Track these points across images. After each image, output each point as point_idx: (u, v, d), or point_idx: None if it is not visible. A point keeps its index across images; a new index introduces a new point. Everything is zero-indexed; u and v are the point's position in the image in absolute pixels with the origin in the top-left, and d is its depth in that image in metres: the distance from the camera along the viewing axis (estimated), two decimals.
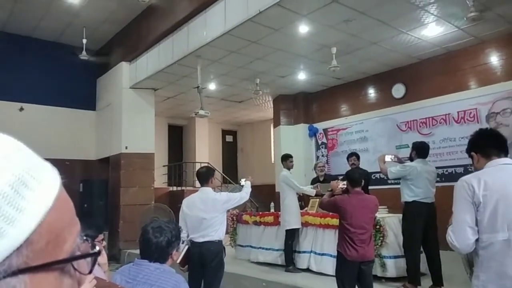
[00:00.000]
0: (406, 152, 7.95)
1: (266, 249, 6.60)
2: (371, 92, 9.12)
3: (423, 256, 4.97)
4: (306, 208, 6.62)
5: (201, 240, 4.00)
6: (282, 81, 9.17)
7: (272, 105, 11.11)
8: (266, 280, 5.62)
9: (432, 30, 6.63)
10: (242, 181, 4.76)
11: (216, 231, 4.03)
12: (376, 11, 5.90)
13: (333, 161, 9.71)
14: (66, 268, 0.44)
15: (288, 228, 5.99)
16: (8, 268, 0.38)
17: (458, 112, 7.42)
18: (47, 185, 0.44)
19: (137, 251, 2.16)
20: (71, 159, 9.90)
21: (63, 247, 0.43)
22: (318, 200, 6.51)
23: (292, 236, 6.02)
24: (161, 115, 12.06)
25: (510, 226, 1.80)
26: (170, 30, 7.72)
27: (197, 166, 11.39)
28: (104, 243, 2.88)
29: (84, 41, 8.98)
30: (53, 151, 9.34)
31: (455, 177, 6.46)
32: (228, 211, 7.81)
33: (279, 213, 6.32)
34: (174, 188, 11.98)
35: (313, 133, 10.25)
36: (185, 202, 4.27)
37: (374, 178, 8.13)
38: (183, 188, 11.52)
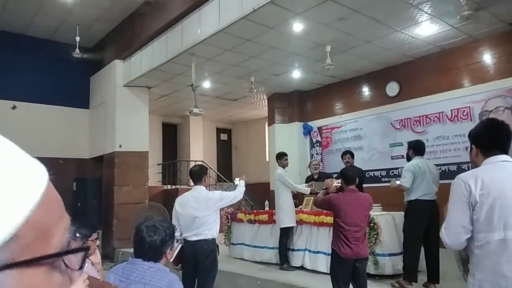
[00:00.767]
0: (400, 151, 8.03)
1: (261, 247, 6.60)
2: (365, 90, 9.14)
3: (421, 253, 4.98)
4: (300, 206, 6.63)
5: (194, 238, 3.98)
6: (276, 79, 9.17)
7: (266, 103, 11.11)
8: (260, 278, 5.63)
9: (426, 29, 6.65)
10: (236, 180, 4.72)
11: (210, 230, 4.01)
12: (371, 10, 5.91)
13: (328, 159, 9.73)
14: (56, 263, 0.44)
15: (283, 226, 5.99)
16: None
17: (451, 110, 7.47)
18: (34, 180, 0.43)
19: (132, 250, 2.15)
20: (65, 158, 9.84)
21: (51, 242, 0.43)
22: (312, 198, 6.53)
23: (286, 234, 6.03)
24: (155, 113, 12.01)
25: (506, 226, 1.79)
26: (164, 28, 7.69)
27: (192, 165, 11.34)
28: (98, 242, 2.87)
29: (78, 38, 8.91)
30: (46, 150, 9.29)
31: (448, 175, 6.50)
32: (222, 209, 7.83)
33: (274, 211, 6.32)
34: (169, 187, 11.96)
35: (307, 131, 10.27)
36: (178, 200, 4.26)
37: (368, 176, 8.17)
38: (178, 186, 11.50)
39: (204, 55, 7.44)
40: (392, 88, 8.48)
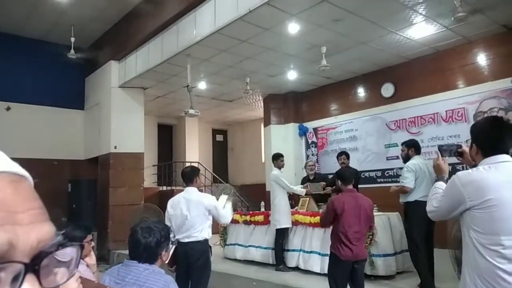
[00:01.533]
0: (395, 151, 8.05)
1: (256, 248, 6.60)
2: (361, 92, 9.17)
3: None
4: (296, 207, 6.64)
5: (186, 240, 3.98)
6: (272, 80, 9.18)
7: (262, 104, 11.11)
8: (256, 279, 5.62)
9: (421, 30, 6.69)
10: (222, 199, 4.27)
11: (200, 231, 4.00)
12: (366, 11, 5.93)
13: (323, 160, 9.75)
14: None
15: (278, 227, 6.00)
16: None
17: (446, 111, 7.50)
18: None
19: (127, 252, 2.14)
20: (59, 159, 9.80)
21: None
22: (308, 199, 6.55)
23: (282, 235, 6.03)
24: (151, 114, 11.99)
25: (504, 231, 1.78)
26: (160, 28, 7.67)
27: (187, 166, 11.35)
28: (93, 243, 2.86)
29: (72, 39, 8.88)
30: (41, 151, 9.26)
31: None
32: None
33: (270, 212, 6.32)
34: (164, 188, 11.92)
35: (303, 132, 10.29)
36: (170, 202, 4.26)
37: (363, 176, 8.19)
38: (173, 188, 11.47)
39: (199, 56, 7.43)
40: (387, 89, 8.51)
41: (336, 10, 5.81)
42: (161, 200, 10.78)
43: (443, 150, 2.23)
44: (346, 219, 3.75)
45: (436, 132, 7.60)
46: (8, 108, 9.35)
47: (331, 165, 8.98)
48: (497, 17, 6.31)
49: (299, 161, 9.95)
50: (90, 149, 10.08)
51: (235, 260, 6.91)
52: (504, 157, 1.90)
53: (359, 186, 6.24)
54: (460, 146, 2.22)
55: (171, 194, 9.89)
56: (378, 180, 8.46)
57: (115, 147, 9.11)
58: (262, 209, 7.05)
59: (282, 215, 6.03)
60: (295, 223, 6.06)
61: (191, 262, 3.96)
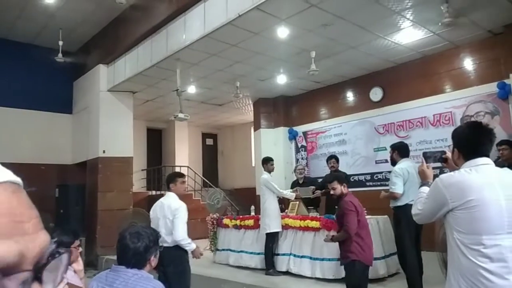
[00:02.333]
0: (384, 155, 8.12)
1: (247, 252, 6.58)
2: (350, 96, 9.24)
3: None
4: (286, 211, 6.65)
5: (160, 244, 3.97)
6: (262, 84, 9.20)
7: (252, 108, 11.13)
8: (246, 283, 5.60)
9: (409, 35, 6.77)
10: (190, 245, 4.10)
11: (169, 236, 4.00)
12: (354, 16, 5.99)
13: (313, 164, 9.78)
14: None
15: (268, 231, 5.99)
16: None
17: (434, 115, 7.59)
18: None
19: (115, 257, 2.12)
20: (47, 164, 9.68)
21: None
22: (298, 203, 6.55)
23: (272, 239, 6.02)
24: (140, 118, 11.91)
25: (485, 231, 1.82)
26: (149, 32, 7.64)
27: (177, 170, 11.30)
28: (81, 249, 2.82)
29: (61, 43, 8.80)
30: (28, 156, 9.13)
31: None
32: (208, 215, 7.80)
33: (260, 216, 6.31)
34: (153, 193, 11.83)
35: (293, 136, 10.32)
36: (153, 206, 4.39)
37: (352, 180, 8.23)
38: (162, 192, 11.36)
39: (189, 60, 7.42)
40: (376, 94, 8.58)
41: (325, 15, 5.85)
42: (150, 204, 10.58)
43: (427, 156, 2.32)
44: (362, 221, 3.73)
45: (424, 136, 7.68)
46: None
47: (321, 169, 9.02)
48: (483, 23, 6.42)
49: (289, 165, 9.97)
50: (78, 154, 9.98)
51: (226, 265, 6.88)
52: (485, 160, 1.97)
53: (349, 189, 6.26)
54: (445, 153, 2.27)
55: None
56: (367, 183, 8.52)
57: (104, 152, 9.03)
58: (252, 213, 7.04)
59: (272, 219, 6.02)
60: (285, 227, 6.06)
61: (164, 266, 3.93)
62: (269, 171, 6.29)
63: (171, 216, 4.08)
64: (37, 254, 0.45)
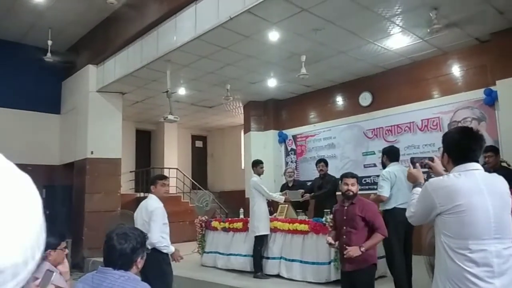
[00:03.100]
0: (373, 159, 8.18)
1: (235, 255, 6.57)
2: (339, 100, 9.29)
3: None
4: (275, 214, 6.65)
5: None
6: (252, 87, 9.21)
7: (242, 111, 11.13)
8: (234, 286, 5.59)
9: (398, 41, 6.84)
10: (169, 248, 4.13)
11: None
12: (344, 21, 6.04)
13: (302, 167, 9.81)
14: None
15: (257, 234, 5.98)
16: None
17: (422, 120, 7.68)
18: None
19: (102, 260, 2.10)
20: (34, 164, 9.52)
21: None
22: (287, 206, 6.56)
23: (261, 242, 6.02)
24: (129, 120, 11.83)
25: (473, 236, 1.85)
26: (140, 33, 7.61)
27: (166, 172, 11.24)
28: (67, 251, 2.79)
29: (50, 42, 8.71)
30: (14, 156, 8.87)
31: None
32: (197, 216, 7.76)
33: (249, 219, 6.31)
34: (142, 194, 11.72)
35: (282, 139, 10.34)
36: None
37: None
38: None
39: (179, 61, 7.40)
40: (365, 98, 8.65)
41: (315, 19, 5.89)
42: (138, 206, 10.62)
43: (414, 162, 2.34)
44: None
45: (412, 141, 7.76)
46: None
47: (310, 172, 9.05)
48: (471, 31, 6.52)
49: (278, 168, 9.99)
50: (66, 154, 9.87)
51: (214, 267, 6.85)
52: (474, 165, 1.99)
53: (338, 193, 6.29)
54: (432, 159, 2.28)
55: None
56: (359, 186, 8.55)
57: (92, 153, 8.95)
58: (241, 216, 7.03)
59: (261, 222, 6.02)
60: (274, 230, 6.06)
61: (145, 269, 3.89)
62: (259, 174, 6.29)
63: (147, 218, 4.11)
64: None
